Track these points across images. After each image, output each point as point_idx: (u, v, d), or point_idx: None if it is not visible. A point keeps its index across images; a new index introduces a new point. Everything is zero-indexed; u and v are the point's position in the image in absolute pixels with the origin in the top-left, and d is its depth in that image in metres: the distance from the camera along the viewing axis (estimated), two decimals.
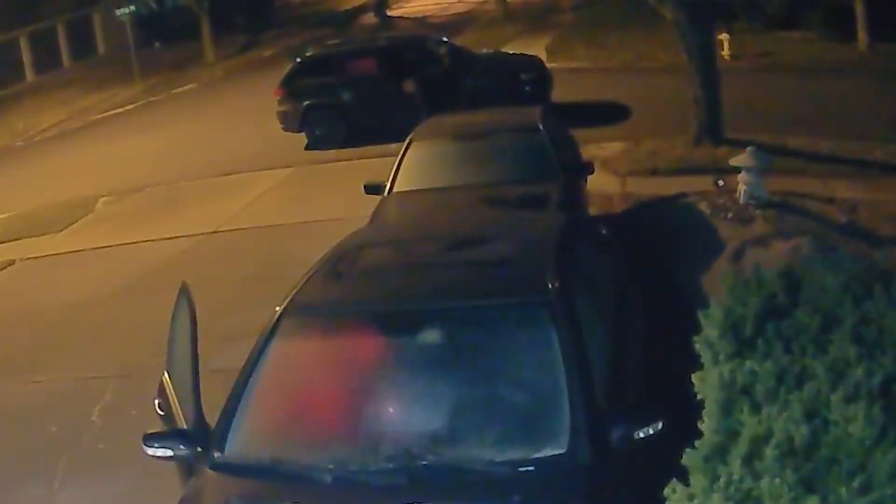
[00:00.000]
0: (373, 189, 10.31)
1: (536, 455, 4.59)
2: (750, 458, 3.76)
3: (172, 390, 5.38)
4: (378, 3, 33.82)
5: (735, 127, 13.99)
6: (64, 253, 13.60)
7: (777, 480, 3.57)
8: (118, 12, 26.86)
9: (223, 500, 4.69)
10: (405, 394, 5.04)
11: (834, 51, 20.25)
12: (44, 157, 20.60)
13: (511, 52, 21.41)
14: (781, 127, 14.41)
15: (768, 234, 10.41)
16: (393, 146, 11.48)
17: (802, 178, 12.17)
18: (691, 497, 3.79)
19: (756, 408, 4.04)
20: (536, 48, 22.00)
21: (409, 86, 16.12)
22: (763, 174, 11.20)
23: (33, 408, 8.75)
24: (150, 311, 9.63)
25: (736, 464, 3.75)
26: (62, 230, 14.66)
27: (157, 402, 5.62)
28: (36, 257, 13.67)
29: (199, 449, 4.94)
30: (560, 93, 16.72)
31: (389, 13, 34.05)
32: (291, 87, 17.17)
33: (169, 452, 5.04)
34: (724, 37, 19.81)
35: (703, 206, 11.41)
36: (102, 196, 16.08)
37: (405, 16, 34.32)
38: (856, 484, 3.54)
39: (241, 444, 4.93)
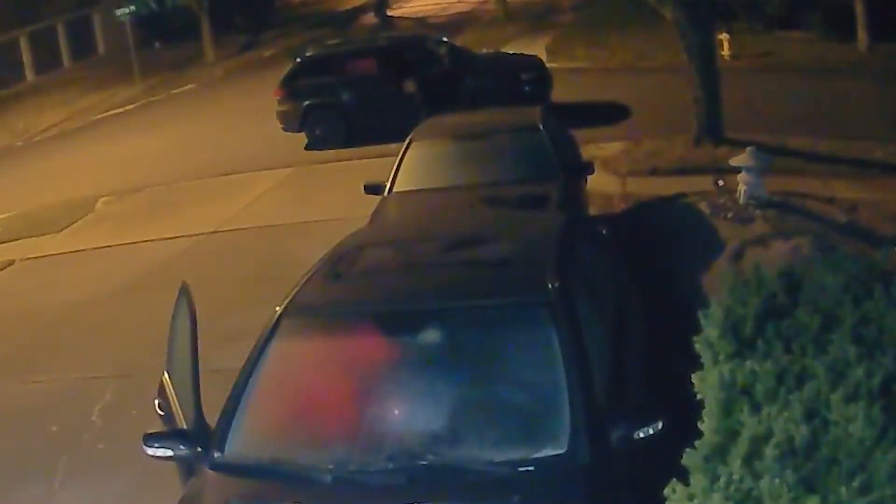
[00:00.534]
0: (373, 189, 10.31)
1: (536, 455, 4.59)
2: (750, 458, 3.76)
3: (172, 390, 5.38)
4: (378, 3, 33.82)
5: (735, 127, 13.99)
6: (64, 253, 13.60)
7: (777, 480, 3.57)
8: (118, 12, 26.86)
9: (223, 500, 4.69)
10: (405, 394, 5.04)
11: (834, 51, 20.25)
12: (44, 157, 20.60)
13: (511, 52, 21.41)
14: (781, 127, 14.41)
15: (768, 234, 10.41)
16: (393, 146, 11.48)
17: (802, 178, 12.17)
18: (691, 497, 3.79)
19: (756, 408, 4.04)
20: (536, 48, 22.01)
21: (409, 86, 16.13)
22: (763, 174, 11.20)
23: (33, 408, 8.75)
24: (150, 311, 9.63)
25: (736, 464, 3.75)
26: (62, 230, 14.66)
27: (157, 402, 5.62)
28: (36, 257, 13.67)
29: (199, 449, 4.94)
30: (560, 93, 16.72)
31: (389, 13, 34.05)
32: (291, 87, 17.17)
33: (169, 452, 5.04)
34: (724, 37, 19.81)
35: (703, 206, 11.41)
36: (102, 196, 16.08)
37: (405, 16, 34.32)
38: (856, 484, 3.54)
39: (241, 444, 4.93)
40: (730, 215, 11.02)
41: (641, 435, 4.68)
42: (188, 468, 5.11)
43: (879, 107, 15.12)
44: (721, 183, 11.74)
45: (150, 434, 5.13)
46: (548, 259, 5.67)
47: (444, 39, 19.30)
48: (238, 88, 24.86)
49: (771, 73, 18.99)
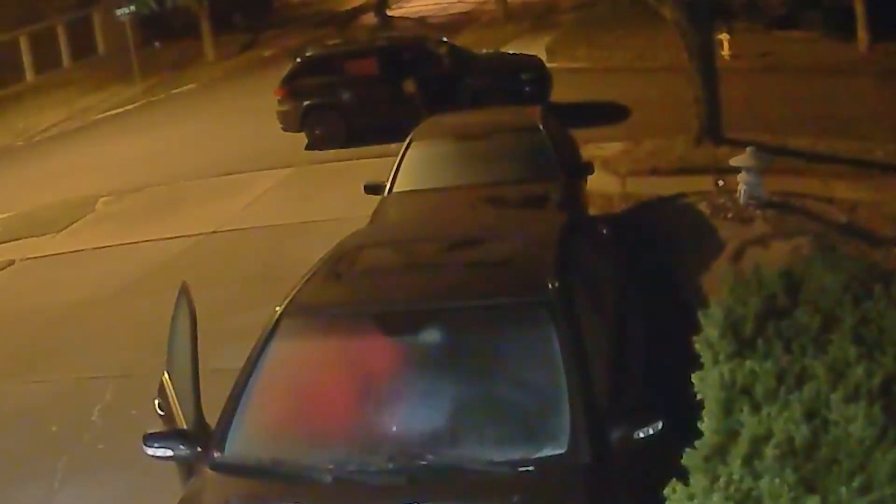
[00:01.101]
0: (373, 189, 10.32)
1: (536, 455, 4.59)
2: (750, 458, 3.76)
3: (172, 390, 5.38)
4: (378, 3, 33.82)
5: (735, 127, 13.99)
6: (64, 253, 13.59)
7: (777, 480, 3.58)
8: (118, 12, 26.86)
9: (223, 500, 4.69)
10: (405, 394, 5.04)
11: (834, 51, 20.25)
12: (44, 157, 20.60)
13: (511, 52, 21.41)
14: (781, 127, 14.41)
15: (768, 234, 10.42)
16: (393, 146, 11.48)
17: (802, 178, 12.17)
18: (691, 497, 3.79)
19: (756, 408, 4.05)
20: (536, 48, 22.01)
21: (409, 86, 16.12)
22: (763, 174, 11.21)
23: (33, 408, 8.75)
24: (150, 311, 9.63)
25: (736, 464, 3.75)
26: (62, 230, 14.66)
27: (157, 402, 5.62)
28: (36, 257, 13.66)
29: (199, 449, 4.94)
30: (560, 93, 16.72)
31: (389, 13, 34.06)
32: (291, 87, 17.17)
33: (169, 452, 5.03)
34: (724, 37, 19.81)
35: (703, 206, 11.41)
36: (102, 196, 16.08)
37: (405, 16, 34.32)
38: (856, 484, 3.54)
39: (241, 444, 4.93)
40: (730, 215, 11.02)
41: (641, 435, 4.67)
42: (188, 468, 5.11)
43: (879, 107, 15.12)
44: (721, 183, 11.74)
45: (150, 434, 5.13)
46: (548, 259, 5.67)
47: (444, 39, 19.31)
48: (238, 88, 24.87)
49: (771, 73, 18.99)
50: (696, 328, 4.81)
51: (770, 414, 3.93)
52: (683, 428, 4.31)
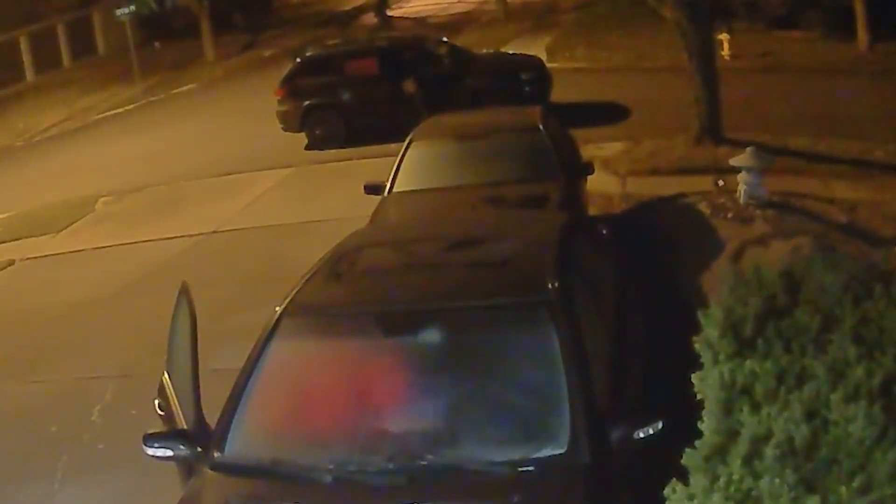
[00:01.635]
0: (373, 189, 10.32)
1: (536, 455, 4.59)
2: (750, 458, 3.76)
3: (172, 390, 5.38)
4: (378, 3, 33.82)
5: (735, 127, 13.99)
6: (64, 253, 13.60)
7: (777, 480, 3.58)
8: (118, 12, 26.84)
9: (223, 500, 4.69)
10: (405, 394, 5.04)
11: (834, 51, 20.25)
12: (44, 157, 20.60)
13: (511, 52, 21.41)
14: (781, 127, 14.41)
15: (768, 234, 10.42)
16: (393, 146, 11.48)
17: (802, 178, 12.17)
18: (691, 497, 3.79)
19: (756, 408, 4.05)
20: (536, 48, 22.01)
21: (409, 86, 16.13)
22: (763, 174, 11.21)
23: (33, 408, 8.75)
24: (150, 311, 9.63)
25: (736, 464, 3.75)
26: (62, 230, 14.66)
27: (157, 402, 5.62)
28: (36, 257, 13.67)
29: (199, 449, 4.94)
30: (560, 93, 16.73)
31: (389, 13, 34.05)
32: (291, 87, 17.17)
33: (169, 452, 5.03)
34: (724, 37, 19.81)
35: (703, 206, 11.42)
36: (102, 196, 16.08)
37: (405, 16, 34.31)
38: (856, 484, 3.54)
39: (241, 444, 4.93)
40: (730, 215, 11.02)
41: (641, 435, 4.68)
42: (188, 468, 5.11)
43: (879, 107, 15.12)
44: (721, 183, 11.75)
45: (150, 434, 5.13)
46: (548, 259, 5.67)
47: (444, 39, 19.31)
48: (238, 88, 24.86)
49: (771, 73, 18.99)
50: (696, 328, 4.80)
51: (770, 414, 3.93)
52: (683, 428, 4.31)
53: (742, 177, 11.20)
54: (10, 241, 14.51)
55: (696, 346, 4.70)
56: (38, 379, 9.40)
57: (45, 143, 22.51)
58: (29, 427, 8.33)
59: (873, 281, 4.81)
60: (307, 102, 16.93)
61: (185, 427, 5.07)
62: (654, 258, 9.60)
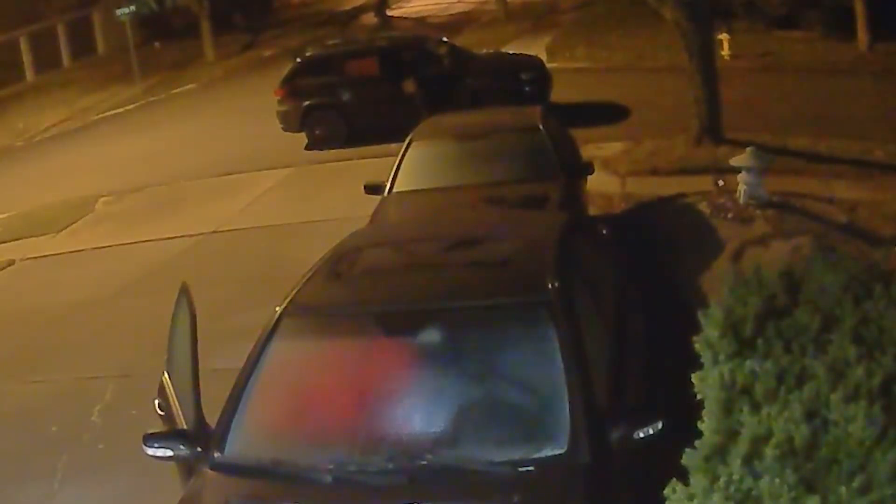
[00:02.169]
0: (373, 189, 10.32)
1: (536, 455, 4.59)
2: (750, 458, 3.76)
3: (172, 390, 5.38)
4: (378, 3, 33.82)
5: (735, 127, 13.99)
6: (64, 253, 13.60)
7: (777, 480, 3.58)
8: (118, 12, 26.84)
9: (223, 500, 4.69)
10: (405, 394, 5.03)
11: (834, 51, 20.25)
12: (44, 157, 20.60)
13: (511, 52, 21.41)
14: (781, 127, 14.41)
15: (768, 234, 10.43)
16: (393, 146, 11.48)
17: (802, 178, 12.17)
18: (691, 497, 3.79)
19: (756, 408, 4.05)
20: (536, 48, 22.01)
21: (409, 86, 16.13)
22: (763, 174, 11.21)
23: (33, 408, 8.75)
24: (150, 311, 9.63)
25: (736, 464, 3.75)
26: (62, 230, 14.66)
27: (157, 402, 5.62)
28: (36, 257, 13.67)
29: (199, 449, 4.94)
30: (560, 93, 16.73)
31: (389, 13, 34.06)
32: (291, 87, 17.17)
33: (169, 452, 5.03)
34: (724, 37, 19.81)
35: (703, 206, 11.42)
36: (102, 196, 16.08)
37: (405, 16, 34.32)
38: (856, 484, 3.54)
39: (241, 444, 4.93)
40: (730, 215, 11.02)
41: (641, 435, 4.67)
42: (188, 468, 5.11)
43: (879, 107, 15.12)
44: (721, 183, 11.75)
45: (150, 434, 5.13)
46: (548, 259, 5.67)
47: (444, 39, 19.30)
48: (238, 88, 24.87)
49: (771, 73, 18.99)
50: (696, 328, 4.80)
51: (770, 414, 3.93)
52: (683, 428, 4.31)
53: (742, 177, 11.20)
54: (10, 241, 14.51)
55: (696, 346, 4.70)
56: (38, 379, 9.40)
57: (45, 143, 22.51)
58: (29, 427, 8.33)
59: (873, 281, 4.81)
60: (307, 102, 16.93)
61: (185, 427, 5.07)
62: (654, 258, 9.60)
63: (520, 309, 5.26)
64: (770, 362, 4.25)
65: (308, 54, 18.27)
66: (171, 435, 5.13)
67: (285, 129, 17.21)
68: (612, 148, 14.29)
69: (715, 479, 3.76)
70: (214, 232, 13.24)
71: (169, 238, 13.22)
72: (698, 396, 4.43)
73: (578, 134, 12.13)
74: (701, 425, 4.18)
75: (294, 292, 5.59)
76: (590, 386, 4.80)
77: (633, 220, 11.32)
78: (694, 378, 4.54)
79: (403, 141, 10.71)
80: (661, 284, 8.75)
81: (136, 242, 13.34)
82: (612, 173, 13.13)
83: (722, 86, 14.12)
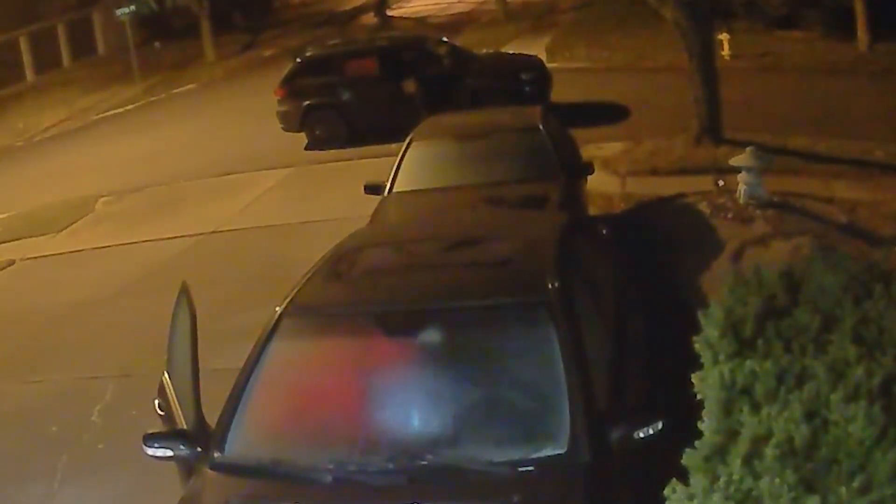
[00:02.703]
0: (373, 189, 10.32)
1: (536, 455, 4.59)
2: (750, 458, 3.76)
3: (172, 390, 5.38)
4: (378, 3, 33.82)
5: (735, 127, 13.99)
6: (64, 253, 13.60)
7: (777, 480, 3.58)
8: (118, 12, 26.84)
9: (223, 500, 4.69)
10: (405, 394, 5.04)
11: (834, 51, 20.25)
12: (44, 157, 20.60)
13: (511, 52, 21.41)
14: (781, 127, 14.41)
15: (768, 234, 10.43)
16: (393, 146, 11.48)
17: (802, 178, 12.17)
18: (691, 497, 3.79)
19: (756, 408, 4.05)
20: (536, 48, 22.00)
21: (409, 86, 16.13)
22: (763, 174, 11.21)
23: (33, 408, 8.75)
24: (150, 311, 9.63)
25: (736, 464, 3.75)
26: (62, 230, 14.66)
27: (156, 402, 5.62)
28: (36, 257, 13.67)
29: (199, 449, 4.94)
30: (560, 93, 16.72)
31: (389, 13, 34.06)
32: (291, 87, 17.17)
33: (169, 452, 5.04)
34: (724, 37, 19.80)
35: (703, 206, 11.42)
36: (102, 196, 16.08)
37: (405, 16, 34.32)
38: (856, 484, 3.54)
39: (241, 444, 4.93)
40: (730, 215, 11.02)
41: (641, 435, 4.67)
42: (188, 468, 5.11)
43: (879, 107, 15.11)
44: (721, 183, 11.74)
45: (150, 434, 5.13)
46: (548, 259, 5.67)
47: (444, 39, 19.30)
48: (238, 88, 24.86)
49: (771, 73, 18.98)
50: (696, 328, 4.80)
51: (770, 414, 3.93)
52: (683, 428, 4.31)
53: (742, 177, 11.20)
54: (10, 241, 14.51)
55: (696, 346, 4.70)
56: (38, 379, 9.40)
57: (45, 143, 22.51)
58: (29, 427, 8.33)
59: (873, 281, 4.81)
60: (307, 102, 16.92)
61: (185, 427, 5.07)
62: (654, 258, 9.60)
63: (520, 309, 5.26)
64: (770, 362, 4.25)
65: (308, 54, 18.27)
66: (171, 435, 5.13)
67: (285, 129, 17.21)
68: (612, 148, 14.29)
69: (715, 479, 3.76)
70: (214, 232, 13.24)
71: (169, 238, 13.22)
72: (698, 396, 4.43)
73: (578, 134, 12.13)
74: (701, 425, 4.18)
75: (294, 292, 5.59)
76: (590, 386, 4.81)
77: (633, 220, 11.31)
78: (694, 378, 4.53)
79: (403, 141, 10.71)
80: (661, 284, 8.75)
81: (136, 242, 13.34)
82: (612, 173, 13.12)
83: (722, 86, 14.12)
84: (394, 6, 35.75)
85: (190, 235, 13.21)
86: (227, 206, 14.22)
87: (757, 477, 3.65)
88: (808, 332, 4.47)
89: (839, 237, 10.05)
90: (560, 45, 23.66)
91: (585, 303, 5.49)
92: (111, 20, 29.36)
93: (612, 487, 4.63)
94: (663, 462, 4.22)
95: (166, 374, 5.58)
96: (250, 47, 31.39)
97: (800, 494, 3.53)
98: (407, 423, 4.88)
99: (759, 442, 3.80)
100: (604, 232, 7.93)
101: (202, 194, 15.22)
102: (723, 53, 19.15)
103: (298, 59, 17.95)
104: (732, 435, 3.96)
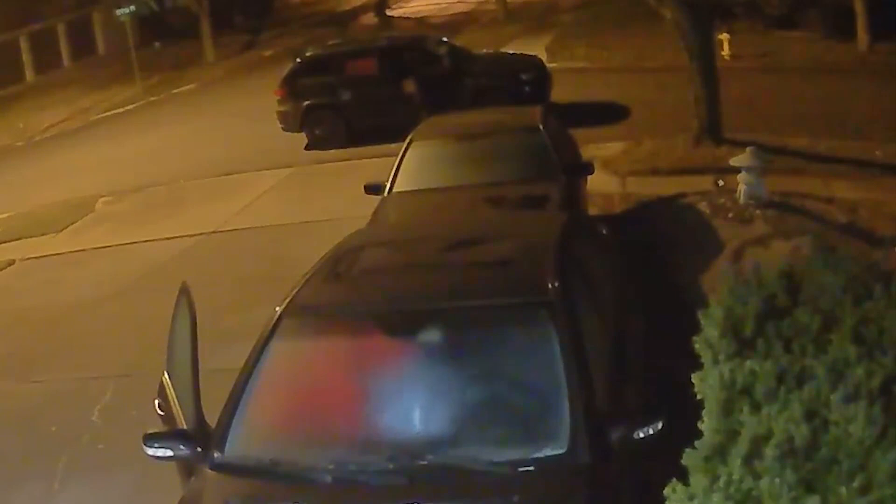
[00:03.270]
0: (373, 189, 10.31)
1: (536, 455, 4.59)
2: (750, 458, 3.76)
3: (172, 390, 5.38)
4: (378, 3, 33.82)
5: (735, 127, 13.99)
6: (64, 253, 13.60)
7: (777, 480, 3.57)
8: (118, 12, 26.85)
9: (223, 500, 4.69)
10: (405, 394, 5.04)
11: (834, 51, 20.25)
12: (44, 157, 20.60)
13: (511, 52, 21.41)
14: (781, 127, 14.42)
15: (768, 234, 10.43)
16: (393, 146, 11.48)
17: (802, 178, 12.17)
18: (691, 497, 3.79)
19: (756, 408, 4.05)
20: (536, 48, 22.00)
21: (409, 86, 16.12)
22: (763, 174, 11.21)
23: (33, 408, 8.75)
24: (150, 311, 9.63)
25: (736, 464, 3.75)
26: (62, 230, 14.66)
27: (157, 402, 5.62)
28: (36, 257, 13.67)
29: (199, 449, 4.94)
30: (560, 93, 16.72)
31: (389, 13, 34.06)
32: (292, 87, 17.17)
33: (169, 452, 5.03)
34: (724, 37, 19.80)
35: (703, 206, 11.42)
36: (102, 196, 16.08)
37: (405, 16, 34.33)
38: (856, 484, 3.54)
39: (241, 444, 4.93)
40: (730, 215, 11.02)
41: (641, 435, 4.68)
42: (188, 468, 5.11)
43: (879, 107, 15.11)
44: (721, 183, 11.75)
45: (150, 434, 5.13)
46: (548, 259, 5.67)
47: (444, 39, 19.30)
48: (238, 88, 24.87)
49: (771, 73, 18.99)
50: (696, 328, 4.80)
51: (770, 414, 3.93)
52: (683, 428, 4.31)
53: (742, 177, 11.20)
54: (10, 241, 14.51)
55: (696, 346, 4.70)
56: (38, 379, 9.40)
57: (45, 143, 22.52)
58: (29, 427, 8.33)
59: (873, 281, 4.81)
60: (307, 102, 16.92)
61: (185, 427, 5.07)
62: (654, 258, 9.60)
63: (520, 309, 5.26)
64: (770, 362, 4.25)
65: (308, 54, 18.27)
66: (171, 435, 5.13)
67: (285, 129, 17.21)
68: (612, 148, 14.29)
69: (715, 479, 3.76)
70: (214, 232, 13.24)
71: (169, 238, 13.22)
72: (698, 396, 4.43)
73: (578, 134, 12.13)
74: (701, 425, 4.18)
75: (294, 292, 5.59)
76: (590, 386, 4.81)
77: (633, 220, 11.31)
78: (694, 378, 4.53)
79: (403, 141, 10.71)
80: (661, 284, 8.75)
81: (136, 242, 13.34)
82: (612, 173, 13.12)
83: (722, 86, 14.12)
84: (394, 6, 35.76)
85: (190, 235, 13.21)
86: (227, 206, 14.22)
87: (757, 477, 3.65)
88: (808, 332, 4.47)
89: (839, 237, 10.04)
90: (560, 45, 23.66)
91: (586, 303, 5.49)
92: (111, 20, 29.38)
93: (612, 487, 4.63)
94: (663, 462, 4.22)
95: (166, 374, 5.58)
96: (250, 47, 31.41)
97: (800, 494, 3.53)
98: (407, 423, 4.88)
99: (759, 442, 3.80)
100: (604, 232, 7.93)
101: (202, 194, 15.22)
102: (723, 53, 19.15)
103: (298, 59, 17.95)
104: (732, 435, 3.96)
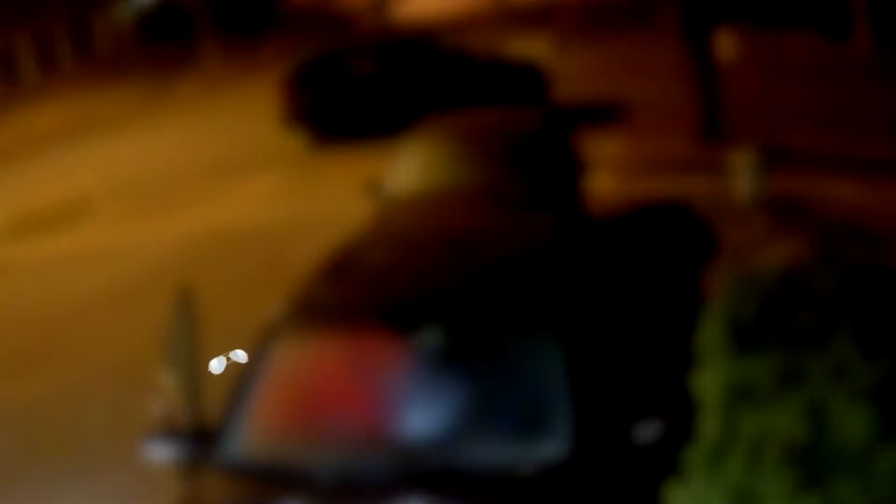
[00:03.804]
0: (373, 189, 10.32)
1: (536, 455, 4.59)
2: (750, 458, 3.76)
3: (172, 390, 5.38)
4: (380, 3, 33.83)
5: (735, 127, 13.99)
6: (63, 253, 13.59)
7: (777, 480, 3.57)
8: (118, 12, 26.82)
9: (223, 500, 4.69)
10: (405, 394, 5.04)
11: (834, 51, 20.25)
12: (44, 157, 20.59)
13: (511, 52, 21.41)
14: (781, 127, 14.41)
15: (768, 234, 10.42)
16: (393, 146, 11.47)
17: (802, 178, 12.17)
18: (691, 497, 3.79)
19: (756, 408, 4.04)
20: (536, 48, 22.00)
21: (409, 86, 16.12)
22: (763, 174, 11.21)
23: (33, 408, 8.75)
24: (150, 310, 9.61)
25: (736, 464, 3.75)
26: (62, 230, 14.65)
27: (157, 402, 5.62)
28: (36, 257, 13.66)
29: (199, 449, 4.94)
30: (560, 93, 16.71)
31: (391, 14, 34.04)
32: (292, 87, 17.17)
33: (169, 453, 5.04)
34: (724, 37, 19.78)
35: (703, 207, 11.41)
36: (102, 196, 16.07)
37: (406, 16, 34.30)
38: (856, 484, 3.54)
39: (241, 444, 4.93)
40: (730, 215, 11.01)
41: (641, 435, 4.67)
42: (188, 468, 5.11)
43: (880, 107, 15.11)
44: (717, 184, 11.74)
45: (150, 434, 5.13)
46: (548, 259, 5.67)
47: (445, 40, 19.29)
48: (238, 88, 24.85)
49: (771, 73, 18.98)
50: (696, 328, 4.80)
51: (770, 414, 3.93)
52: (683, 428, 4.31)
53: (742, 177, 11.20)
54: (9, 241, 14.51)
55: (696, 345, 4.70)
56: (37, 379, 9.40)
57: (45, 143, 22.50)
58: (29, 427, 8.33)
59: (873, 281, 4.81)
60: (308, 102, 16.91)
61: (184, 427, 5.07)
62: (654, 259, 9.59)
63: (520, 309, 5.25)
64: (770, 362, 4.25)
65: (309, 54, 18.26)
66: (171, 435, 5.13)
67: (286, 129, 17.20)
68: (612, 148, 14.29)
69: (715, 479, 3.76)
70: (214, 232, 13.24)
71: (169, 238, 13.22)
72: (698, 396, 4.43)
73: (578, 134, 12.12)
74: (701, 425, 4.17)
75: (294, 292, 5.59)
76: (590, 386, 4.81)
77: (632, 221, 11.31)
78: (694, 378, 4.53)
79: (403, 141, 10.70)
80: (661, 284, 8.75)
81: (135, 242, 13.34)
82: (611, 173, 13.12)
83: (722, 86, 14.11)
84: (395, 7, 35.74)
85: (190, 235, 13.20)
86: (227, 206, 14.22)
87: (757, 477, 3.65)
88: (808, 332, 4.47)
89: (839, 237, 10.04)
90: (560, 45, 23.65)
91: (586, 303, 5.49)
92: (111, 20, 29.35)
93: (611, 487, 4.63)
94: (663, 462, 4.22)
95: (166, 375, 5.58)
96: (251, 47, 31.39)
97: (800, 494, 3.53)
98: (407, 424, 4.89)
99: (759, 442, 3.80)
100: (604, 232, 7.93)
101: (202, 194, 15.22)
102: (723, 53, 19.13)
103: (300, 60, 17.95)
104: (732, 435, 3.96)
